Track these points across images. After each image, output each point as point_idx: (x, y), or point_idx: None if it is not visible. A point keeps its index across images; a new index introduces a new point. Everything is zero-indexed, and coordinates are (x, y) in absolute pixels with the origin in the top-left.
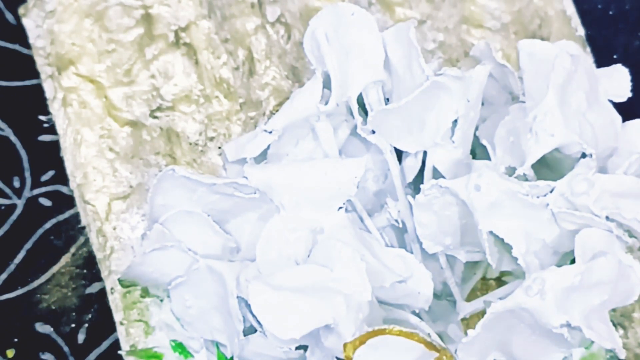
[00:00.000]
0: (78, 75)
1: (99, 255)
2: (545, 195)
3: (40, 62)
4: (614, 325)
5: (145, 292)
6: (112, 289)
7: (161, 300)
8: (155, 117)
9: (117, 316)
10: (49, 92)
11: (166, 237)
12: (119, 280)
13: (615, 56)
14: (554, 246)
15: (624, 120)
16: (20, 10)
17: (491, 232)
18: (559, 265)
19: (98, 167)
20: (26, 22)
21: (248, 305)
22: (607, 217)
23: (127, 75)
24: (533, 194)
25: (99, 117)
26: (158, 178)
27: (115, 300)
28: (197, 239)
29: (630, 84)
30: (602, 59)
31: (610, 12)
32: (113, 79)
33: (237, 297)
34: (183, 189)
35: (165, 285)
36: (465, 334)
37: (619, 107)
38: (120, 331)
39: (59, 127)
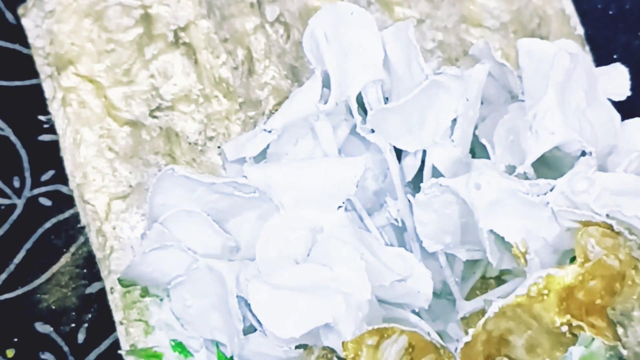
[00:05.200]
0: (77, 75)
1: (98, 255)
2: (545, 194)
3: (39, 62)
4: (614, 323)
5: (145, 292)
6: (111, 288)
7: (161, 300)
8: (155, 117)
9: (117, 316)
10: (48, 92)
11: (166, 236)
12: (119, 280)
13: (615, 56)
14: (555, 244)
15: (625, 119)
16: (20, 10)
17: (491, 231)
18: (559, 264)
19: (97, 167)
20: (25, 22)
21: (248, 305)
22: (607, 215)
23: (126, 75)
24: (533, 192)
25: (98, 116)
26: (157, 177)
27: (115, 300)
28: (197, 238)
29: (629, 82)
30: (603, 59)
31: (610, 12)
32: (112, 78)
33: (237, 296)
34: (182, 189)
35: (165, 284)
36: (466, 333)
37: (619, 106)
38: (120, 331)
39: (59, 127)
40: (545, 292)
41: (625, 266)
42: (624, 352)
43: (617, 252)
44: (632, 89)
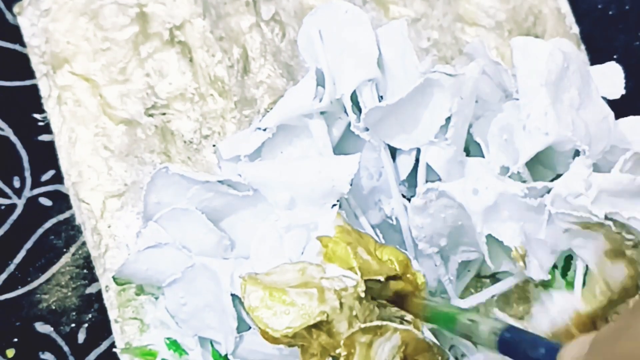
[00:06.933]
0: (73, 74)
1: (94, 253)
2: (542, 196)
3: (35, 61)
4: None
5: (140, 290)
6: (107, 286)
7: (156, 298)
8: (150, 116)
9: (112, 314)
10: (43, 91)
11: (160, 235)
12: (114, 278)
13: (615, 56)
14: (552, 246)
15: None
16: (15, 9)
17: (490, 235)
18: (557, 266)
19: (93, 165)
20: (21, 21)
21: (242, 303)
22: (605, 217)
23: (121, 74)
24: (530, 195)
25: (93, 115)
26: (152, 176)
27: (110, 298)
28: (192, 236)
29: (623, 81)
30: (602, 59)
31: (610, 12)
32: (108, 77)
33: (231, 294)
34: (177, 187)
35: (159, 282)
36: None
37: (620, 106)
38: (115, 329)
39: (54, 126)
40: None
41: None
42: None
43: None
44: (632, 89)
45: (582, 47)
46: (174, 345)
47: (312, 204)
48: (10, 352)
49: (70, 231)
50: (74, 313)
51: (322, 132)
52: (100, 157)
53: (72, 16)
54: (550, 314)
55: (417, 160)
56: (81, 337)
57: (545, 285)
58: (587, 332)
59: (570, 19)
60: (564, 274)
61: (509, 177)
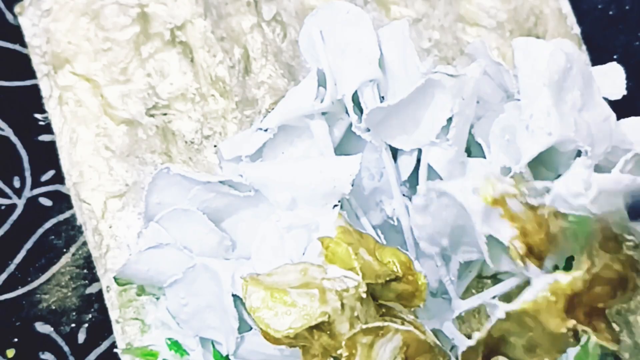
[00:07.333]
0: (74, 74)
1: (95, 253)
2: (542, 196)
3: (36, 61)
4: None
5: (141, 290)
6: (108, 287)
7: (157, 299)
8: (151, 116)
9: (113, 314)
10: (45, 91)
11: (162, 235)
12: (115, 279)
13: (615, 56)
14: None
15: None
16: (17, 9)
17: (489, 235)
18: (557, 266)
19: (94, 166)
20: (22, 21)
21: (243, 303)
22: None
23: (123, 74)
24: (530, 195)
25: (94, 115)
26: (153, 176)
27: (111, 299)
28: (193, 237)
29: (625, 81)
30: (603, 59)
31: (610, 12)
32: (109, 77)
33: (233, 295)
34: (178, 187)
35: (160, 283)
36: (461, 331)
37: (619, 106)
38: (116, 329)
39: (55, 126)
40: (553, 298)
41: (627, 269)
42: (626, 356)
43: (619, 255)
44: (632, 89)
45: (584, 47)
46: (175, 345)
47: (314, 204)
48: (10, 352)
49: (70, 231)
50: (74, 313)
51: (324, 132)
52: (101, 157)
53: (73, 16)
54: None
55: (418, 160)
56: (81, 337)
57: None
58: None
59: (572, 19)
60: None
61: (511, 177)
